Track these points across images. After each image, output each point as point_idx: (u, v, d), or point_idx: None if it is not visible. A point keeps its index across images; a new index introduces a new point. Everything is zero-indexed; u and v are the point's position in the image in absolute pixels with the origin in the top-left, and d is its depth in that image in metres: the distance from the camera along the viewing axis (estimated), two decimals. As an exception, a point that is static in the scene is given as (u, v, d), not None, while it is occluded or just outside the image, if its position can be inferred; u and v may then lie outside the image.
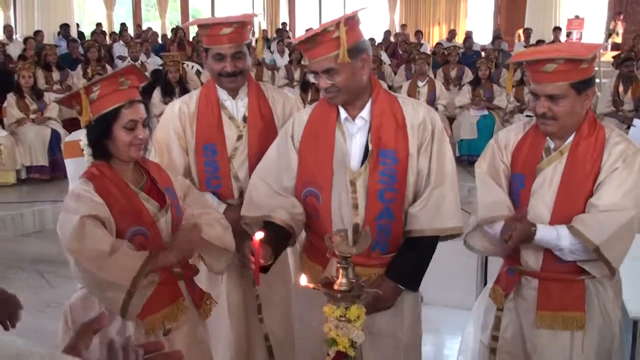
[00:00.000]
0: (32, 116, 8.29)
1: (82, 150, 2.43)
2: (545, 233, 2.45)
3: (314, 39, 2.43)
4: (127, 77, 2.38)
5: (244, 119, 3.03)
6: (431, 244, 2.60)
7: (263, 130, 3.01)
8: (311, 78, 2.67)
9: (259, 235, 2.11)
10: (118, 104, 2.34)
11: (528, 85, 2.24)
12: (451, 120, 9.41)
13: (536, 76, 2.48)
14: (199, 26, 2.99)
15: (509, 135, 2.70)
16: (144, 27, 17.85)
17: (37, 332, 3.62)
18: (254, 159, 2.91)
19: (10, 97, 8.29)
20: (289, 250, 3.08)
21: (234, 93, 3.03)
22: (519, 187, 2.60)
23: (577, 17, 17.10)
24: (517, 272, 2.64)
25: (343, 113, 2.58)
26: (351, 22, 2.45)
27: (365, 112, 2.56)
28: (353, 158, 2.56)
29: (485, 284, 3.72)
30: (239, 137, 3.00)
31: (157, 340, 1.31)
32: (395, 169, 2.52)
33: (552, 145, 2.57)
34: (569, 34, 16.22)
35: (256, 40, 3.34)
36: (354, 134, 2.58)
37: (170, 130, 3.00)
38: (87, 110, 2.33)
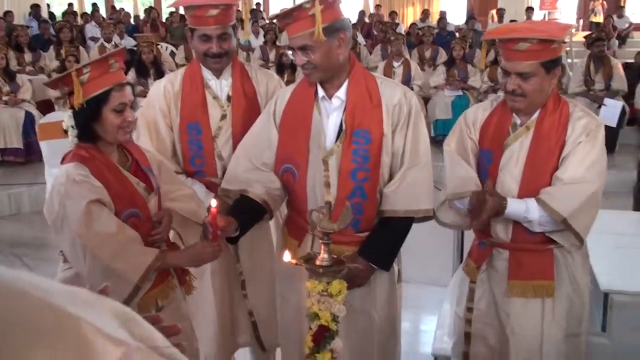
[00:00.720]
0: (4, 98, 8.19)
1: (65, 131, 2.42)
2: (515, 207, 2.53)
3: (290, 15, 2.47)
4: (116, 59, 2.38)
5: (228, 98, 3.06)
6: (405, 224, 2.65)
7: (246, 109, 3.05)
8: (289, 54, 2.69)
9: (213, 202, 2.21)
10: (108, 87, 2.33)
11: (501, 64, 2.29)
12: (426, 100, 9.47)
13: (508, 54, 2.54)
14: (185, 7, 3.01)
15: (477, 112, 2.77)
16: (117, 8, 17.60)
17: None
18: (238, 138, 2.95)
19: (-19, 80, 8.18)
20: (272, 226, 3.17)
21: (218, 73, 3.06)
22: (487, 163, 2.68)
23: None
24: (489, 244, 2.73)
25: (321, 92, 2.61)
26: (327, 0, 2.46)
27: (341, 92, 2.59)
28: (328, 137, 2.60)
29: (462, 261, 3.81)
30: (223, 117, 3.04)
31: (155, 314, 1.35)
32: (368, 149, 2.55)
33: (518, 122, 2.65)
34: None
35: (241, 20, 3.37)
36: (330, 113, 2.61)
37: (156, 109, 3.03)
38: (79, 93, 2.31)
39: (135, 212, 2.40)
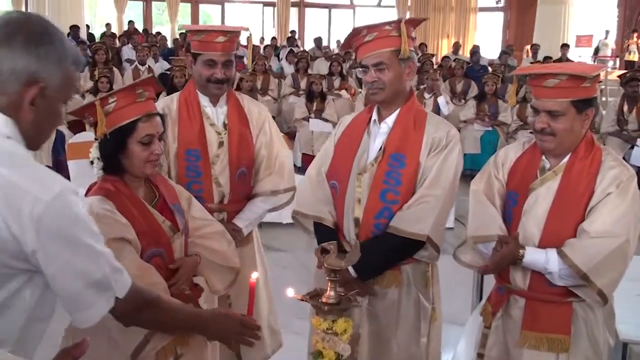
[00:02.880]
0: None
1: (91, 162, 2.33)
2: (534, 257, 2.45)
3: (372, 32, 2.59)
4: (145, 89, 2.29)
5: (224, 125, 3.11)
6: (403, 245, 2.61)
7: (241, 137, 3.12)
8: (358, 74, 2.77)
9: (254, 275, 2.08)
10: (135, 117, 2.24)
11: (530, 102, 2.26)
12: (455, 134, 9.40)
13: (538, 91, 2.49)
14: (194, 31, 3.08)
15: (508, 153, 2.72)
16: (154, 31, 17.92)
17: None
18: (234, 164, 3.06)
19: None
20: (257, 254, 3.25)
21: (214, 100, 3.11)
22: (511, 205, 2.61)
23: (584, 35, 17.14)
24: (506, 290, 2.64)
25: (374, 115, 2.73)
26: (410, 26, 2.61)
27: (391, 118, 2.69)
28: (370, 157, 2.69)
29: (481, 299, 3.72)
30: (221, 144, 3.08)
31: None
32: (402, 173, 2.61)
33: (547, 165, 2.57)
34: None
35: (246, 48, 3.45)
36: (377, 136, 2.71)
37: None
38: (102, 123, 2.22)
39: (159, 251, 2.28)
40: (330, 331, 1.99)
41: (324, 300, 1.99)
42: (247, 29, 3.35)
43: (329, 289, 1.99)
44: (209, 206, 2.97)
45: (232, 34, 3.02)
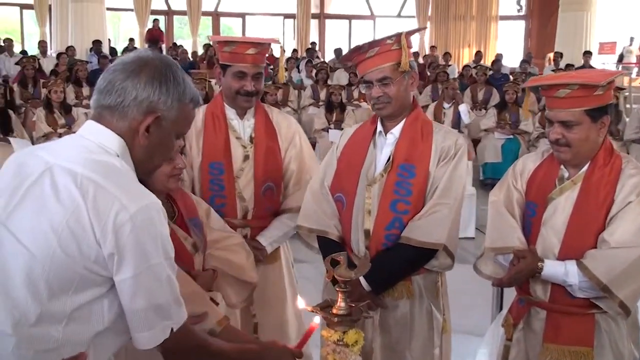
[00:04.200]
0: (59, 130, 8.43)
1: None
2: (554, 270, 2.40)
3: (373, 48, 2.59)
4: None
5: (251, 139, 3.05)
6: (415, 255, 2.59)
7: (268, 151, 3.04)
8: (362, 89, 2.75)
9: (317, 319, 1.98)
10: None
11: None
12: (475, 143, 9.35)
13: (550, 101, 2.45)
14: (224, 43, 2.99)
15: (526, 163, 2.68)
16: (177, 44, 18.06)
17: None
18: (260, 179, 2.97)
19: (40, 112, 8.47)
20: (284, 271, 3.16)
21: (242, 113, 3.05)
22: (531, 215, 2.56)
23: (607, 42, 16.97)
24: (527, 301, 2.58)
25: (379, 127, 2.72)
26: (409, 38, 2.61)
27: (397, 129, 2.68)
28: (378, 169, 2.67)
29: (501, 309, 3.67)
30: (246, 158, 3.02)
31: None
32: (412, 183, 2.60)
33: (566, 175, 2.52)
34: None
35: (277, 60, 3.40)
36: (383, 147, 2.69)
37: None
38: None
39: (181, 269, 2.21)
40: (341, 343, 1.96)
41: (334, 311, 1.96)
42: (277, 41, 3.29)
43: (339, 300, 1.97)
44: (231, 221, 2.92)
45: (263, 46, 2.96)
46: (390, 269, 2.60)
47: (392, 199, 2.60)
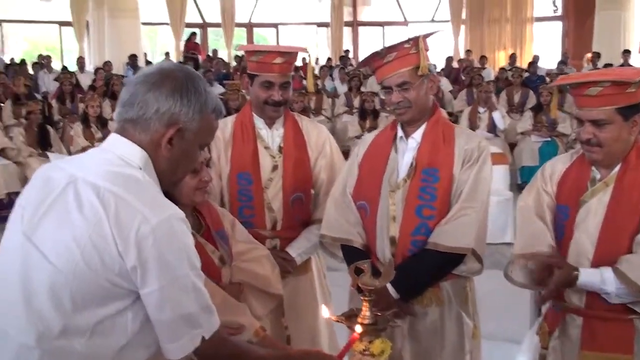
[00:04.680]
0: (96, 144, 8.56)
1: None
2: (589, 278, 2.33)
3: (391, 53, 2.57)
4: None
5: (279, 149, 3.02)
6: (443, 260, 2.55)
7: (297, 161, 3.01)
8: (382, 95, 2.74)
9: (358, 328, 1.92)
10: None
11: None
12: (512, 146, 9.21)
13: (580, 100, 2.39)
14: (251, 52, 2.99)
15: (555, 165, 2.61)
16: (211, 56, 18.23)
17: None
18: (288, 190, 2.94)
19: (77, 126, 8.64)
20: (316, 282, 3.11)
21: (270, 122, 3.03)
22: (563, 219, 2.49)
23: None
24: (562, 308, 2.51)
25: (400, 132, 2.70)
26: (426, 41, 2.60)
27: (418, 133, 2.66)
28: (400, 174, 2.65)
29: (539, 315, 3.58)
30: (274, 168, 3.00)
31: None
32: (436, 187, 2.57)
33: (597, 176, 2.45)
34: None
35: (305, 70, 3.39)
36: (405, 152, 2.67)
37: None
38: None
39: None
40: (367, 352, 1.93)
41: (359, 320, 1.93)
42: (305, 50, 3.29)
43: (364, 308, 1.94)
44: (260, 232, 2.91)
45: (290, 55, 2.94)
46: (418, 276, 2.56)
47: (417, 204, 2.58)
